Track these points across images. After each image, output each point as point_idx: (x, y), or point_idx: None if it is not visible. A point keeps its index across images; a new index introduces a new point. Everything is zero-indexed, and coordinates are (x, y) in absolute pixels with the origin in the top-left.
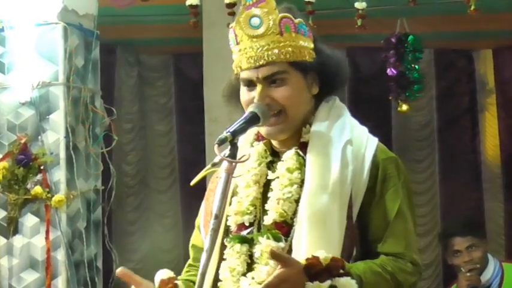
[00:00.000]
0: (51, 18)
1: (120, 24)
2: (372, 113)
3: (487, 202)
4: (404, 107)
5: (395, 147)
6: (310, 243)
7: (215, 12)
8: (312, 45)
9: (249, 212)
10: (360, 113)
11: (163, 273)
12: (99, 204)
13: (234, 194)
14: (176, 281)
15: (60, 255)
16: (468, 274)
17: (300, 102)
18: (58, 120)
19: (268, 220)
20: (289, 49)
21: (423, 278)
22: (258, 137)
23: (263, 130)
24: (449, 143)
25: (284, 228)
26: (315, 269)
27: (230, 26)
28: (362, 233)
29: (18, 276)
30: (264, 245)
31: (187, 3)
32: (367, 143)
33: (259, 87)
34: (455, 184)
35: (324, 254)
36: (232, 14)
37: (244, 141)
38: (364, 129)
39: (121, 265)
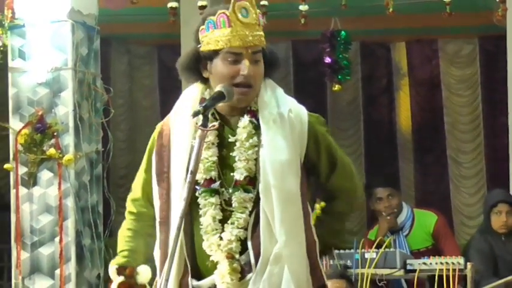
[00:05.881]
0: (61, 17)
1: (115, 22)
2: (312, 92)
3: (401, 162)
4: (337, 87)
5: (330, 118)
6: (277, 188)
7: (190, 13)
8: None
9: (212, 168)
10: (303, 92)
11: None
12: (99, 163)
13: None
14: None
15: (69, 202)
16: (388, 218)
17: (261, 80)
18: (67, 97)
19: (239, 176)
20: (262, 38)
21: (349, 221)
22: (201, 102)
23: (235, 97)
24: (372, 115)
25: (251, 181)
26: None
27: (219, 12)
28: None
29: (37, 219)
30: (239, 196)
31: (169, 5)
32: (300, 110)
33: (247, 62)
34: (376, 148)
35: None
36: None
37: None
38: (293, 99)
39: (116, 211)
